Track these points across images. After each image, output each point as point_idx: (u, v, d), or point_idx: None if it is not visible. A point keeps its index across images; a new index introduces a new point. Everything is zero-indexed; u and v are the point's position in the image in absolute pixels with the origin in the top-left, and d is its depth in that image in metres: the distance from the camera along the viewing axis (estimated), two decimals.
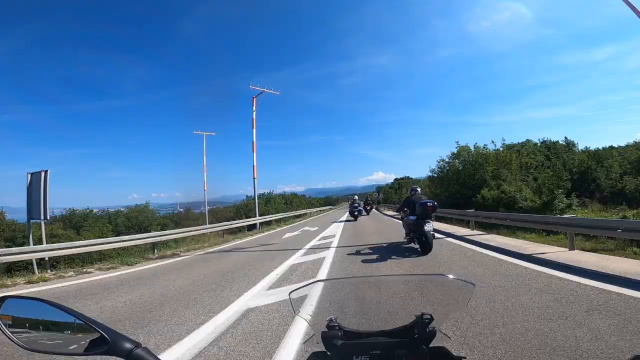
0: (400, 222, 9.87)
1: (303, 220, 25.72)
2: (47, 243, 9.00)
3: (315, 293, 1.10)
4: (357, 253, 8.03)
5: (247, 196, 34.42)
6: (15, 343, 0.69)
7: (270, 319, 3.76)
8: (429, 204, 7.23)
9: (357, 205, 21.64)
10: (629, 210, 13.74)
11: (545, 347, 2.60)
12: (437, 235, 9.64)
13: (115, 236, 15.77)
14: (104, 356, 0.69)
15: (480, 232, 9.93)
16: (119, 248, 10.26)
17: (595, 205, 16.99)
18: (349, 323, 0.93)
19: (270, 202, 34.05)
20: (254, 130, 23.80)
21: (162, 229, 21.91)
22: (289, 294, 0.99)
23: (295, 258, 7.90)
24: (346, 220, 20.71)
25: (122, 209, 28.94)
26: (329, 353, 0.85)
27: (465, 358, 0.88)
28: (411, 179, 66.53)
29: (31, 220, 9.40)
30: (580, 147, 27.74)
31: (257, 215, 23.22)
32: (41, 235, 9.25)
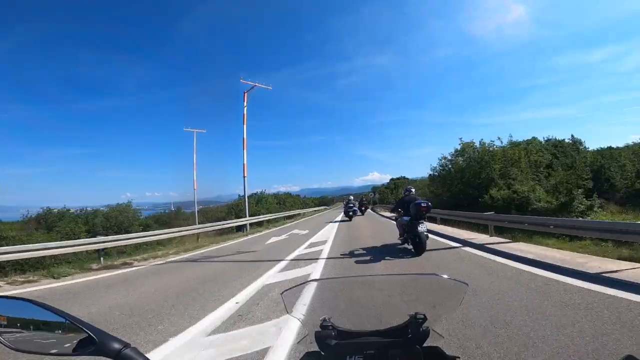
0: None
1: (294, 222, 24.09)
2: None
3: (308, 293, 1.14)
4: (354, 264, 6.57)
5: (239, 195, 33.35)
6: (1, 343, 0.69)
7: None
8: (422, 205, 7.17)
9: (352, 205, 21.62)
10: None
11: None
12: (452, 244, 8.27)
13: (90, 237, 14.21)
14: (92, 357, 0.68)
15: (502, 239, 8.16)
16: (64, 254, 8.56)
17: (613, 206, 15.59)
18: (343, 323, 0.92)
19: (261, 202, 32.82)
20: (245, 126, 23.32)
21: (144, 230, 20.48)
22: (281, 294, 0.95)
23: (271, 275, 6.12)
24: (341, 221, 20.31)
25: (102, 208, 27.17)
26: (322, 353, 0.86)
27: (459, 358, 0.86)
28: (407, 179, 66.12)
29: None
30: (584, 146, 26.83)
31: (247, 215, 22.39)
32: None
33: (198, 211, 37.02)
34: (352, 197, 24.03)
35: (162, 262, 8.77)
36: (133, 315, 4.15)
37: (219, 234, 17.27)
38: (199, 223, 23.65)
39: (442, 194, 19.76)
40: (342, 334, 0.88)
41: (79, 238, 17.38)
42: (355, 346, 0.84)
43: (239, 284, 5.49)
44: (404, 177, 72.43)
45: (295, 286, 1.00)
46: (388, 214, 24.40)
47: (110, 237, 9.89)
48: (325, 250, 8.71)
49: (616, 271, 4.55)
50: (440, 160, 20.68)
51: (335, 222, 19.98)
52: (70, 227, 20.61)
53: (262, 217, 23.49)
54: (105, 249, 9.33)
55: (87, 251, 9.40)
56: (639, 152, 20.63)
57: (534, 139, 24.97)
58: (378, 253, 7.67)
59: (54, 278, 7.04)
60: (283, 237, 13.07)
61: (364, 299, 1.07)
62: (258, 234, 15.96)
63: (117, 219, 23.98)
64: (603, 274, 4.47)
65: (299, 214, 31.55)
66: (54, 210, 23.73)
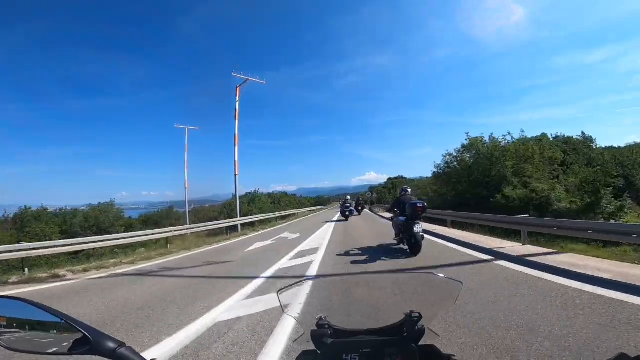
0: None
1: (287, 223, 22.47)
2: None
3: (304, 292, 1.09)
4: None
5: (232, 195, 32.11)
6: None
7: None
8: (418, 205, 7.12)
9: (348, 205, 21.31)
10: None
11: None
12: (476, 255, 6.64)
13: (66, 238, 12.60)
14: (88, 356, 0.67)
15: (542, 249, 6.39)
16: None
17: (635, 207, 14.13)
18: (339, 321, 0.91)
19: (254, 202, 31.37)
20: (236, 122, 22.36)
21: (126, 231, 18.89)
22: (277, 292, 0.93)
23: (232, 305, 4.23)
24: (337, 221, 19.59)
25: (82, 208, 25.51)
26: (319, 351, 0.85)
27: (454, 356, 0.84)
28: (405, 178, 64.95)
29: None
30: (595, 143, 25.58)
31: (239, 215, 21.04)
32: None
33: (190, 210, 35.57)
34: (349, 197, 23.44)
35: (103, 274, 6.96)
36: None
37: (213, 235, 15.90)
38: (190, 223, 22.14)
39: (446, 193, 18.27)
40: (338, 333, 0.88)
41: (50, 239, 15.88)
42: (352, 345, 0.83)
43: (176, 320, 3.71)
44: (402, 177, 71.27)
45: (291, 285, 0.99)
46: (388, 214, 23.01)
47: (37, 244, 7.97)
48: (316, 262, 6.83)
49: None
50: (445, 156, 19.23)
51: (332, 222, 19.01)
52: (40, 228, 18.99)
53: (253, 218, 22.05)
54: (29, 257, 7.43)
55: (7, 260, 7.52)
56: None
57: (544, 135, 23.52)
58: (374, 253, 7.58)
59: None
60: (268, 242, 11.35)
61: (360, 298, 1.09)
62: (244, 237, 14.28)
63: (98, 219, 22.38)
64: None
65: (293, 214, 29.96)
66: (31, 209, 22.20)
